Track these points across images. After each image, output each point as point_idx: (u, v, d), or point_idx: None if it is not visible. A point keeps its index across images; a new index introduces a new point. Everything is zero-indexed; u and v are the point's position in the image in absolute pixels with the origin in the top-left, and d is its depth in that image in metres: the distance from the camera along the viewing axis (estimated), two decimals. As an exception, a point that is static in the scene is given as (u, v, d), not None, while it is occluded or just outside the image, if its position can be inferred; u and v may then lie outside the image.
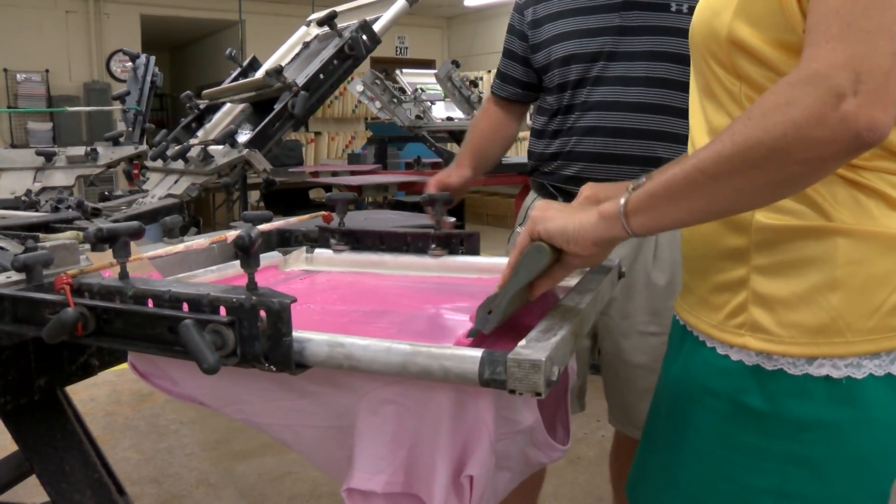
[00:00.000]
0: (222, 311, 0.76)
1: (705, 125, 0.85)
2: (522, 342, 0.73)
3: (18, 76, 8.36)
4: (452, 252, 1.30)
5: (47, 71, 8.48)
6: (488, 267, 1.27)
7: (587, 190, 0.96)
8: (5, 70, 8.30)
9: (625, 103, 1.46)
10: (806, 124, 0.60)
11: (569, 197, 1.53)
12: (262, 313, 0.74)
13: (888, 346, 0.75)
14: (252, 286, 0.77)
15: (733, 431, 0.80)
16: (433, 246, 1.30)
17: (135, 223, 0.89)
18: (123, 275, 0.87)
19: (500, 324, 0.82)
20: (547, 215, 0.81)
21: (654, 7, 1.43)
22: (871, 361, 0.74)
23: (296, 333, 0.76)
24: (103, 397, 3.44)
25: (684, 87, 1.13)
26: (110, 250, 0.91)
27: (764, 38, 0.73)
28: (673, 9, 1.43)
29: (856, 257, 0.73)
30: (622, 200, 0.75)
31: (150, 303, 0.82)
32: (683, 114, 1.09)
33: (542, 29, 1.56)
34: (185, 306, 0.79)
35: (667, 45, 1.43)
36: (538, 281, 0.84)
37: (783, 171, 0.64)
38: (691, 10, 0.90)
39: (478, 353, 0.71)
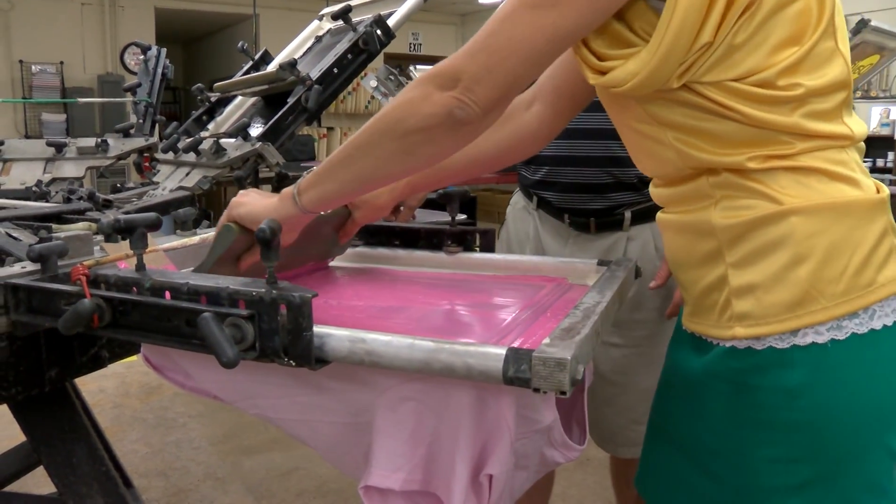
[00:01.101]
0: (241, 304, 0.75)
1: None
2: (546, 340, 0.71)
3: (33, 67, 8.36)
4: (467, 249, 1.29)
5: (62, 63, 8.50)
6: (503, 264, 1.26)
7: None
8: (20, 61, 8.32)
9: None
10: (417, 101, 0.81)
11: (541, 201, 1.52)
12: (283, 307, 0.73)
13: (862, 304, 0.80)
14: (272, 280, 0.76)
15: (739, 409, 0.85)
16: (448, 242, 1.29)
17: (152, 214, 0.88)
18: (140, 266, 0.86)
19: None
20: (241, 201, 0.96)
21: None
22: (851, 321, 0.80)
23: (316, 328, 0.75)
24: (112, 389, 3.45)
25: None
26: (124, 242, 0.90)
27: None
28: None
29: (811, 230, 0.79)
30: (298, 182, 0.92)
31: (168, 295, 0.81)
32: None
33: None
34: (204, 299, 0.78)
35: None
36: (244, 256, 1.00)
37: (406, 139, 0.83)
38: None
39: (502, 350, 0.70)
